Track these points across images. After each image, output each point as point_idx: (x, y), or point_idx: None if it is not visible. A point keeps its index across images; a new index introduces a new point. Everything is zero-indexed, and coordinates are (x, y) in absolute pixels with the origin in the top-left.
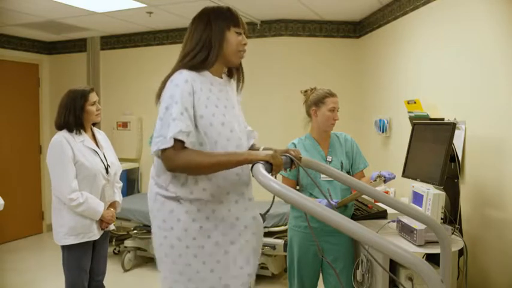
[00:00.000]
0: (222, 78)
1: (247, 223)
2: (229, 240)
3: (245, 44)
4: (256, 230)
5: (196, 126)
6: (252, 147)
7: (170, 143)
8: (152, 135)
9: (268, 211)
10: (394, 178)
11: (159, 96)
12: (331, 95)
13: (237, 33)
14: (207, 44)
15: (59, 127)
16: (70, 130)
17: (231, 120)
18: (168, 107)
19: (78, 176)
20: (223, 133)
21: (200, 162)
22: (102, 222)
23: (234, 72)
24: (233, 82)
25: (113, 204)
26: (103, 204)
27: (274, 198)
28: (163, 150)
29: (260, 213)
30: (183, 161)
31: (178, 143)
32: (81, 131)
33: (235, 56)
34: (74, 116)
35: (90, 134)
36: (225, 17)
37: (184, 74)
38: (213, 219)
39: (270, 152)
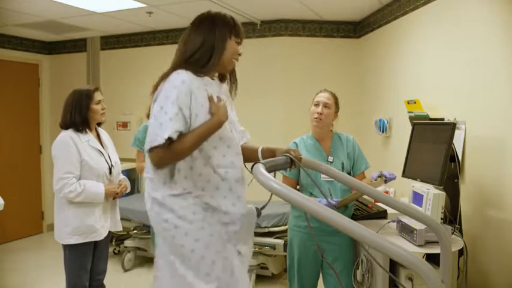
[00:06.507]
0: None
1: (235, 218)
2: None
3: (240, 54)
4: (246, 223)
5: (191, 125)
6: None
7: (162, 141)
8: (136, 137)
9: (264, 207)
10: (394, 179)
11: (155, 89)
12: (321, 91)
13: (236, 42)
14: (210, 48)
15: (65, 126)
16: (76, 129)
17: None
18: (163, 107)
19: (81, 176)
20: (217, 131)
21: (183, 148)
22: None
23: (228, 75)
24: (225, 86)
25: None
26: (102, 184)
27: (271, 195)
28: (153, 148)
29: (256, 207)
30: (170, 157)
31: (167, 142)
32: (87, 130)
33: (228, 63)
34: (80, 115)
35: (94, 134)
36: (229, 26)
37: (181, 75)
38: (206, 215)
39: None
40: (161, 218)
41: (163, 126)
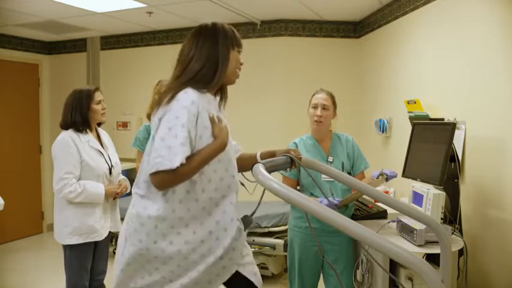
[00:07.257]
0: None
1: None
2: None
3: (242, 64)
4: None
5: (194, 147)
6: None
7: (172, 167)
8: (137, 137)
9: (254, 212)
10: (396, 177)
11: (158, 104)
12: (317, 92)
13: (238, 52)
14: (214, 64)
15: (65, 126)
16: (77, 129)
17: None
18: (172, 128)
19: (81, 176)
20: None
21: (188, 171)
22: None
23: (219, 89)
24: (217, 98)
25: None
26: (102, 185)
27: (261, 199)
28: (160, 172)
29: (246, 215)
30: (174, 180)
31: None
32: (87, 130)
33: (233, 75)
34: (81, 115)
35: (95, 134)
36: (231, 37)
37: (190, 94)
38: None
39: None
40: (137, 237)
41: (173, 151)
